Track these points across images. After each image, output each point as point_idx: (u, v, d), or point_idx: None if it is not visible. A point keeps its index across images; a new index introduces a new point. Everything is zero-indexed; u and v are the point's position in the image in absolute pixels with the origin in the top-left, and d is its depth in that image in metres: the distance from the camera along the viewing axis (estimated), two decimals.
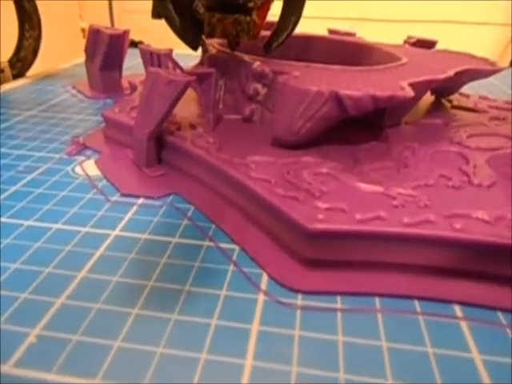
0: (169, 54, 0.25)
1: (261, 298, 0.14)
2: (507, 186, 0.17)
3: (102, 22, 0.89)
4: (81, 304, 0.13)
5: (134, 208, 0.19)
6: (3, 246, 0.16)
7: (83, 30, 1.11)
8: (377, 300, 0.14)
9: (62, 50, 0.62)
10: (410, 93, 0.18)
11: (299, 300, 0.14)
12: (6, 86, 0.37)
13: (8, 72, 0.40)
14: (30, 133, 0.27)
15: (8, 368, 0.11)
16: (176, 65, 0.25)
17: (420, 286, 0.14)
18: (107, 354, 0.12)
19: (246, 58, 0.23)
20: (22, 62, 0.40)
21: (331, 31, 0.34)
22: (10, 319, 0.13)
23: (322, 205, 0.15)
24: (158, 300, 0.14)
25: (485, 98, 0.29)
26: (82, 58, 0.46)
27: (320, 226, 0.14)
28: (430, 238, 0.14)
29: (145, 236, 0.17)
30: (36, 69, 0.42)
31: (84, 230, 0.17)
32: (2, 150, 0.24)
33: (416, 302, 0.14)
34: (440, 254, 0.14)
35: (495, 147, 0.21)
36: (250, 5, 0.20)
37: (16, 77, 0.40)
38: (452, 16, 0.86)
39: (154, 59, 0.25)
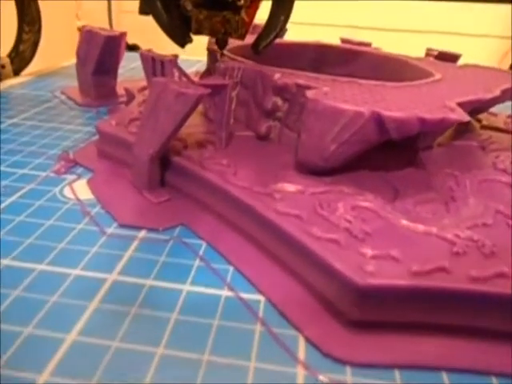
0: (174, 61, 0.22)
1: (300, 372, 0.11)
2: None
3: (100, 21, 0.85)
4: (70, 382, 0.10)
5: (135, 243, 0.16)
6: None
7: (80, 30, 1.08)
8: (445, 376, 0.11)
9: (57, 50, 0.59)
10: (464, 116, 0.15)
11: (348, 376, 0.11)
12: None
13: (9, 68, 0.37)
14: (12, 144, 0.23)
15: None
16: (182, 73, 0.22)
17: (501, 359, 0.12)
18: None
19: (265, 68, 0.20)
20: (20, 56, 0.37)
21: (344, 41, 0.32)
22: None
23: (369, 251, 0.13)
24: (172, 371, 0.11)
25: None
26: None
27: (373, 282, 0.12)
28: (507, 296, 0.11)
29: (149, 282, 0.14)
30: (31, 68, 0.39)
31: (74, 272, 0.14)
32: None
33: (494, 380, 0.11)
34: None
35: None
36: (240, 3, 0.19)
37: (15, 72, 0.38)
38: (448, 27, 0.86)
39: (157, 66, 0.22)
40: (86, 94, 0.32)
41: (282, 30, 0.21)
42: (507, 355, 0.12)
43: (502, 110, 0.28)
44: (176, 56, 0.22)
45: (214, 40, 0.25)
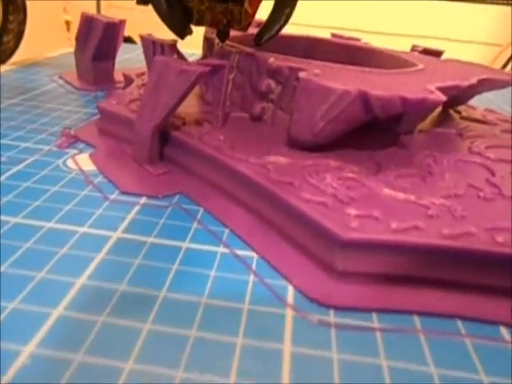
0: (174, 45, 0.23)
1: (289, 313, 0.12)
2: None
3: None
4: (81, 317, 0.11)
5: (136, 208, 0.17)
6: None
7: (67, 23, 1.07)
8: (416, 319, 0.13)
9: (44, 43, 0.59)
10: (441, 97, 0.17)
11: (332, 317, 0.12)
12: None
13: None
14: (14, 122, 0.24)
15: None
16: (182, 57, 0.23)
17: (463, 304, 0.13)
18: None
19: (259, 53, 0.22)
20: (4, 46, 0.37)
21: (334, 35, 0.34)
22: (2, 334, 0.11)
23: (353, 212, 0.14)
24: (172, 315, 0.12)
25: (491, 111, 0.28)
26: (65, 49, 0.43)
27: (355, 235, 0.13)
28: (475, 252, 0.13)
29: (151, 239, 0.15)
30: (15, 58, 0.40)
31: (81, 230, 0.15)
32: None
33: (459, 323, 0.13)
34: (483, 270, 0.13)
35: None
36: None
37: None
38: (438, 33, 0.88)
39: (157, 50, 0.23)
40: (84, 79, 0.33)
41: (286, 23, 0.21)
42: (468, 302, 0.13)
43: (480, 104, 0.30)
44: (175, 41, 0.23)
45: (213, 31, 0.26)
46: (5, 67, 0.37)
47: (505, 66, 0.88)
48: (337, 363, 0.11)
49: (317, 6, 0.95)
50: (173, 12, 0.20)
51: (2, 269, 0.13)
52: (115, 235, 0.15)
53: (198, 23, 0.20)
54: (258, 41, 0.22)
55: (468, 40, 0.88)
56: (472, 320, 0.13)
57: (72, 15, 0.96)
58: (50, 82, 0.33)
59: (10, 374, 0.10)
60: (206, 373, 0.10)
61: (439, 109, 0.28)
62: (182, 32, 0.21)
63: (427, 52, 0.30)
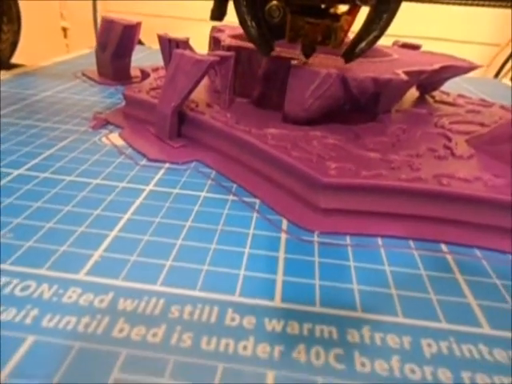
0: (187, 42, 0.28)
1: (283, 236, 0.16)
2: (482, 158, 0.20)
3: (85, 21, 0.85)
4: (132, 236, 0.16)
5: (162, 170, 0.21)
6: (51, 194, 0.18)
7: (64, 29, 1.09)
8: (379, 239, 0.17)
9: (41, 49, 0.60)
10: (404, 77, 0.21)
11: (316, 238, 0.16)
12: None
13: None
14: (51, 109, 0.29)
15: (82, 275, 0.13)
16: (193, 51, 0.27)
17: (414, 229, 0.17)
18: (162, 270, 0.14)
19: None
20: None
21: None
22: (56, 263, 0.15)
23: (332, 164, 0.18)
24: (198, 234, 0.16)
25: (462, 96, 0.33)
26: (62, 57, 0.47)
27: (333, 180, 0.17)
28: (423, 190, 0.17)
29: (176, 190, 0.19)
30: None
31: (121, 184, 0.19)
32: (28, 122, 0.26)
33: (411, 242, 0.17)
34: (429, 205, 0.17)
35: (471, 131, 0.24)
36: (333, 10, 0.19)
37: None
38: (437, 34, 0.92)
39: (173, 46, 0.28)
40: (104, 75, 0.37)
41: (383, 33, 0.20)
42: (419, 228, 0.17)
43: (453, 90, 0.34)
44: (188, 38, 0.28)
45: (218, 30, 0.31)
46: (44, 63, 0.41)
47: (503, 65, 0.91)
48: (317, 264, 0.15)
49: None
50: (261, 32, 0.21)
51: (68, 208, 0.17)
52: (148, 188, 0.19)
53: (291, 40, 0.21)
54: (349, 56, 0.20)
55: (466, 40, 0.92)
56: (419, 240, 0.17)
57: (69, 21, 0.96)
58: (74, 78, 0.37)
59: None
60: (221, 266, 0.14)
61: (416, 94, 0.32)
62: (270, 49, 0.21)
63: (406, 46, 0.34)
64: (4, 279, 0.13)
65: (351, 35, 0.21)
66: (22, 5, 0.40)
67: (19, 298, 0.12)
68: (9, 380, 0.10)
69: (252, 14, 0.20)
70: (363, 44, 0.20)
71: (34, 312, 0.12)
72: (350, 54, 0.20)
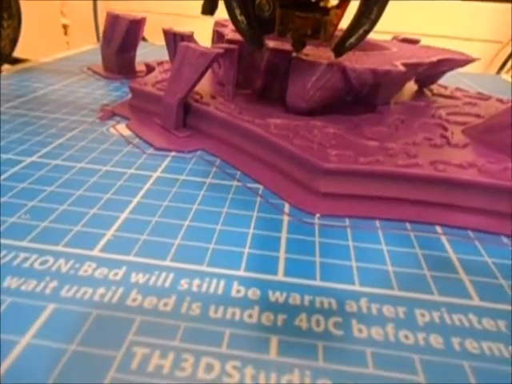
0: (191, 36, 0.28)
1: (286, 218, 0.17)
2: (477, 146, 0.21)
3: (86, 19, 0.86)
4: (142, 218, 0.16)
5: (169, 158, 0.22)
6: (63, 179, 0.19)
7: (64, 27, 1.10)
8: (377, 222, 0.17)
9: (42, 46, 0.60)
10: (402, 68, 0.22)
11: (316, 220, 0.17)
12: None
13: None
14: (59, 102, 0.29)
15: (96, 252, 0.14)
16: (198, 44, 0.28)
17: (411, 213, 0.18)
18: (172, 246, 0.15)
19: None
20: None
21: None
22: (71, 241, 0.16)
23: (332, 151, 0.19)
24: (204, 216, 0.17)
25: (460, 90, 0.33)
26: (64, 53, 0.48)
27: (333, 165, 0.18)
28: (419, 175, 0.18)
29: (183, 177, 0.20)
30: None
31: (129, 171, 0.20)
32: (37, 113, 0.27)
33: (407, 224, 0.17)
34: (425, 189, 0.18)
35: (468, 122, 0.25)
36: (322, 4, 0.19)
37: None
38: (438, 31, 0.92)
39: (178, 40, 0.28)
40: (109, 69, 0.38)
41: (373, 27, 0.19)
42: (415, 211, 0.18)
43: (453, 84, 0.35)
44: (192, 32, 0.28)
45: (222, 24, 0.31)
46: (46, 59, 0.42)
47: (505, 62, 0.91)
48: (318, 244, 0.16)
49: None
50: (251, 26, 0.21)
51: (82, 192, 0.18)
52: (155, 174, 0.20)
53: (281, 34, 0.21)
54: (339, 50, 0.20)
55: (468, 37, 0.92)
56: (415, 222, 0.18)
57: (70, 19, 0.96)
58: (80, 72, 0.38)
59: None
60: (227, 245, 0.15)
61: (415, 87, 0.33)
62: (260, 44, 0.21)
63: (406, 40, 0.35)
64: (23, 254, 0.14)
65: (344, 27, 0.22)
66: (22, 4, 0.40)
67: (38, 271, 0.13)
68: (33, 341, 0.11)
69: (242, 9, 0.20)
70: (353, 38, 0.20)
71: (53, 283, 0.13)
72: (341, 48, 0.20)
